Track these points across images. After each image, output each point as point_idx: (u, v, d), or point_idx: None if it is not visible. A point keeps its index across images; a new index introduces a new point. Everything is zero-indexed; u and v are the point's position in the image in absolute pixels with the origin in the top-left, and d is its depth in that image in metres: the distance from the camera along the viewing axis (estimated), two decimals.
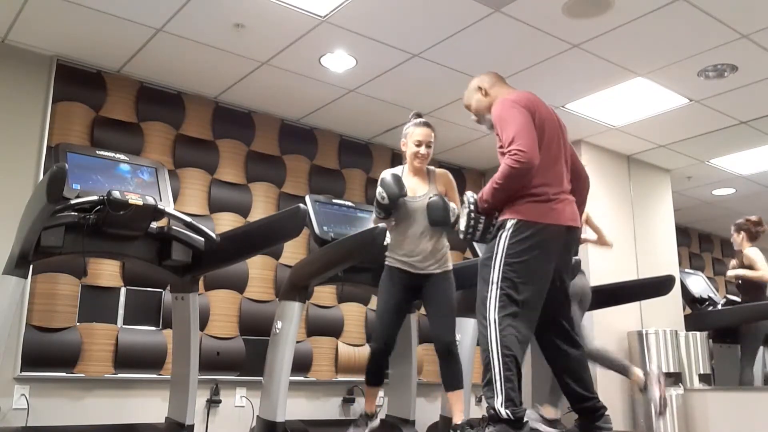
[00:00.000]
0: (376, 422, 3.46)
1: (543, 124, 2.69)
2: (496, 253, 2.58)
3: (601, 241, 4.29)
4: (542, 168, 2.62)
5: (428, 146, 3.34)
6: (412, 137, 3.35)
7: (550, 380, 3.59)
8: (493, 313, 2.51)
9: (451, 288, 3.30)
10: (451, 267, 3.34)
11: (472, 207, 2.71)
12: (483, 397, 2.55)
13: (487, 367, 2.50)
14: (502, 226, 2.61)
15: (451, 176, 3.46)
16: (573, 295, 4.02)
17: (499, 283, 2.53)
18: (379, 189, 3.23)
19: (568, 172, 2.81)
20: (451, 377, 3.22)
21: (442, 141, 3.16)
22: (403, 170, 3.41)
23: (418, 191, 3.33)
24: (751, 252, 5.13)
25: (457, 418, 3.17)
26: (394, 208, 3.24)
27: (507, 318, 2.49)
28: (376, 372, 3.34)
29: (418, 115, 3.46)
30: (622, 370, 3.76)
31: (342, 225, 3.82)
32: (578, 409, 2.77)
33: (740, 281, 5.18)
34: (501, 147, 2.65)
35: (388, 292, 3.30)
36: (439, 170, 3.46)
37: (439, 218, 3.22)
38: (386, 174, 3.29)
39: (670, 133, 5.24)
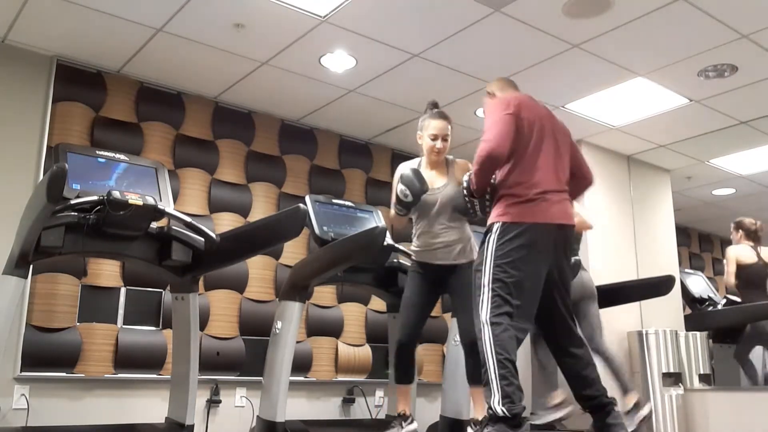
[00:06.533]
0: (413, 426, 3.28)
1: (531, 125, 2.76)
2: (486, 257, 2.65)
3: (581, 225, 4.03)
4: (523, 169, 2.72)
5: (444, 140, 3.23)
6: (427, 130, 3.23)
7: (546, 367, 3.64)
8: (485, 314, 2.57)
9: None
10: (476, 257, 3.26)
11: (465, 191, 2.86)
12: (484, 397, 2.58)
13: (484, 367, 2.54)
14: (489, 230, 2.69)
15: (470, 165, 3.25)
16: (584, 293, 4.02)
17: (490, 285, 2.60)
18: (400, 187, 3.06)
19: (565, 171, 2.84)
20: (477, 371, 3.10)
21: None
22: (420, 163, 3.31)
23: (436, 183, 3.23)
24: (728, 252, 5.16)
25: (479, 415, 3.11)
26: (415, 204, 3.11)
27: (499, 318, 2.55)
28: (402, 368, 3.24)
29: (435, 105, 3.31)
30: (622, 385, 3.80)
31: (342, 225, 3.81)
32: (587, 407, 2.77)
33: (736, 283, 5.18)
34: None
35: (410, 286, 3.28)
36: (459, 160, 3.34)
37: (461, 207, 3.11)
38: (405, 169, 3.14)
39: (670, 133, 5.24)
